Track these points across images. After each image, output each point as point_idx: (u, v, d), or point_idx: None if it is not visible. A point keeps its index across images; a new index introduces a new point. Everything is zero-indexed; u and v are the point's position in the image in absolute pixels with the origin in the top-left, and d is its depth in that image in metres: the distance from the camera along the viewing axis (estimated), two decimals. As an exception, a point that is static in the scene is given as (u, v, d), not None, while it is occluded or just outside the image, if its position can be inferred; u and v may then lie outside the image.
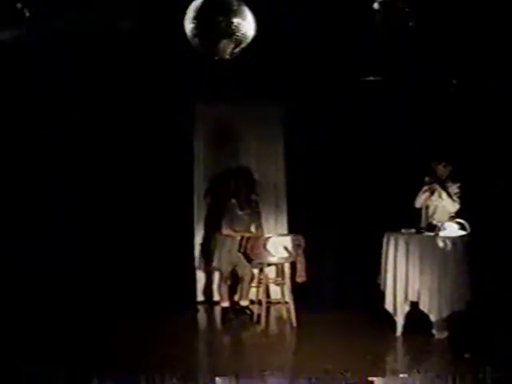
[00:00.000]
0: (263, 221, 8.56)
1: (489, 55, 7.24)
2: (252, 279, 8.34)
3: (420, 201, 7.65)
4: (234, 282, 8.41)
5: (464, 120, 8.10)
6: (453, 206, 7.45)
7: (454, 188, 7.52)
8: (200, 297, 9.12)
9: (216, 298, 8.77)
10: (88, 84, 8.04)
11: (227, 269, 8.21)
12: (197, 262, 9.03)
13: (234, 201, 8.20)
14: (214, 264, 8.30)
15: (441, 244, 6.94)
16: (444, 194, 7.49)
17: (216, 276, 8.77)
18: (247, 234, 8.14)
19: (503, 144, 7.95)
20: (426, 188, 7.61)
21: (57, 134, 8.54)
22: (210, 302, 9.00)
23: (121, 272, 8.51)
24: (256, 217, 8.38)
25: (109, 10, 6.33)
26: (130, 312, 8.14)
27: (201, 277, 9.11)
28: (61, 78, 7.64)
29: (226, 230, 8.14)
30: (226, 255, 8.15)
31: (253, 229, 8.32)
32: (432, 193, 7.57)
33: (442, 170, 7.58)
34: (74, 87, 8.12)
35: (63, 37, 6.63)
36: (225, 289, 8.33)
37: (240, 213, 8.20)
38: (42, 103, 8.29)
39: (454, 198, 7.48)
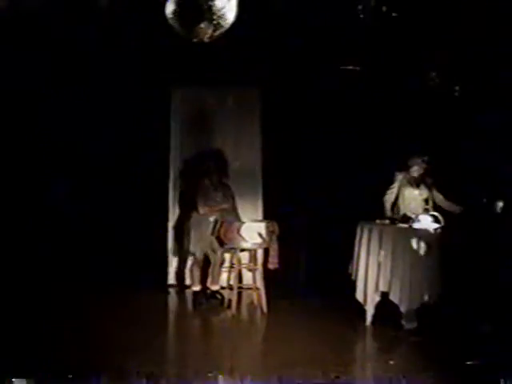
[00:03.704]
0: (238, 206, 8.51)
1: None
2: (222, 263, 8.32)
3: (392, 196, 7.70)
4: (205, 266, 8.38)
5: (438, 116, 8.15)
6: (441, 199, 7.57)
7: (431, 183, 7.66)
8: (171, 280, 9.08)
9: (188, 281, 8.73)
10: (64, 63, 7.94)
11: (201, 253, 8.18)
12: (170, 248, 8.98)
13: (207, 181, 8.15)
14: (190, 248, 8.24)
15: (414, 245, 6.96)
16: (426, 186, 7.59)
17: (189, 260, 8.72)
18: (223, 206, 8.08)
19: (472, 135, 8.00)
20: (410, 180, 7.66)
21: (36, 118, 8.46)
22: (181, 286, 8.97)
23: (93, 253, 8.46)
24: (230, 200, 8.31)
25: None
26: (101, 293, 8.11)
27: (173, 260, 9.06)
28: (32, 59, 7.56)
29: (202, 209, 8.04)
30: (201, 239, 8.11)
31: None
32: (418, 185, 7.62)
33: (420, 164, 7.62)
34: (53, 63, 8.03)
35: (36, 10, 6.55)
36: (197, 273, 8.28)
37: (214, 193, 8.14)
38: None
39: (434, 191, 7.60)
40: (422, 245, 6.95)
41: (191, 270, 8.40)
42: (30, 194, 8.52)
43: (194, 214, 8.13)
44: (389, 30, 6.98)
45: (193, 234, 8.16)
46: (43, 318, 7.12)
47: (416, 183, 7.69)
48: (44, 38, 7.20)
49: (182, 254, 8.78)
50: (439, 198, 7.68)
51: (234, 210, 8.34)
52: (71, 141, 8.61)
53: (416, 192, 7.69)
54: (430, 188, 7.68)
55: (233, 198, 8.36)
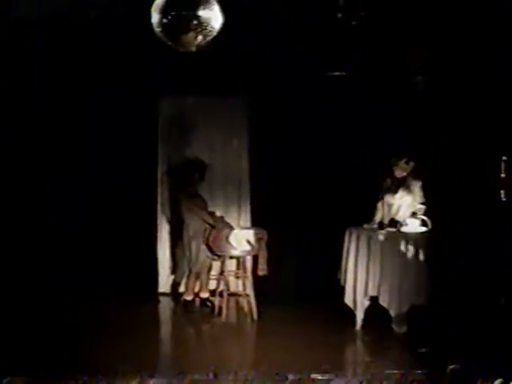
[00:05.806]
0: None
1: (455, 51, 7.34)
2: (210, 270, 8.33)
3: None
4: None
5: (426, 117, 8.18)
6: (417, 204, 7.45)
7: (416, 185, 7.52)
8: (162, 288, 9.07)
9: (182, 289, 8.68)
10: (54, 73, 7.95)
11: (201, 262, 8.18)
12: (165, 257, 9.03)
13: (192, 189, 8.20)
14: (192, 259, 8.20)
15: (402, 247, 6.99)
16: (409, 189, 7.47)
17: (186, 269, 8.51)
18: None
19: (460, 139, 8.02)
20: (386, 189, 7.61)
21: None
22: (172, 294, 8.96)
23: (84, 260, 8.47)
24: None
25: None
26: (92, 301, 8.11)
27: (164, 267, 9.07)
28: (27, 66, 7.56)
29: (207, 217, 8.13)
30: (200, 249, 8.09)
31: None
32: (396, 191, 7.54)
33: (403, 166, 7.50)
34: (41, 75, 8.03)
35: (30, 24, 6.56)
36: (193, 283, 8.27)
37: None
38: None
39: (418, 195, 7.47)
40: (411, 247, 7.00)
41: (188, 280, 8.36)
42: (16, 199, 8.52)
43: (193, 225, 8.13)
44: (372, 33, 7.03)
45: (194, 244, 8.14)
46: (31, 324, 7.14)
47: (396, 188, 7.54)
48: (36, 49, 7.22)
49: (180, 263, 8.76)
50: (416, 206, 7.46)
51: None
52: (59, 147, 8.62)
53: (394, 198, 7.53)
54: (412, 192, 7.49)
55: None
